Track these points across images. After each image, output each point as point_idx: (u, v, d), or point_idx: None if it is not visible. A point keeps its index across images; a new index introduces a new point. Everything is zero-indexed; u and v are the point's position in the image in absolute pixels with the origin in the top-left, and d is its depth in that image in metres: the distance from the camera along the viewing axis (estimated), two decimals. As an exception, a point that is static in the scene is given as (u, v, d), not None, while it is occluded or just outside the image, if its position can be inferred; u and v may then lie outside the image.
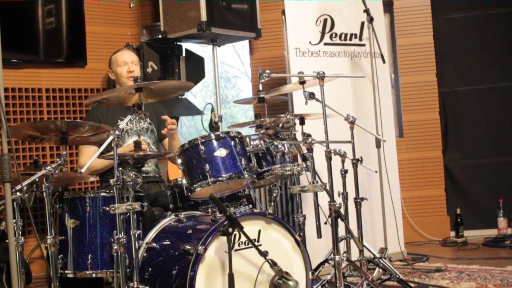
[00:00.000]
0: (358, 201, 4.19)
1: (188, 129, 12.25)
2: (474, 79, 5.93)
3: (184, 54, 5.33)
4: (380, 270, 4.06)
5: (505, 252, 5.11)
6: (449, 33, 5.93)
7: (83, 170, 3.05)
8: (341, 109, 4.05)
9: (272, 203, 3.71)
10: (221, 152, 3.37)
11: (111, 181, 3.08)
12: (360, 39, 5.03)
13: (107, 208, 3.08)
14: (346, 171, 4.10)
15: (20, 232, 3.09)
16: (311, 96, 3.72)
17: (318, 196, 3.61)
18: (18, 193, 3.02)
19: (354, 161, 4.13)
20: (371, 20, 4.69)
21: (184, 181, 3.42)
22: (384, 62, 4.90)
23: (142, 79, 3.29)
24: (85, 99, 5.27)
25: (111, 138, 3.07)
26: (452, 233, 5.75)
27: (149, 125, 4.33)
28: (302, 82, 3.89)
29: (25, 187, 3.04)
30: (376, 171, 4.60)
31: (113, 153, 3.10)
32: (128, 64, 4.36)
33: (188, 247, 3.01)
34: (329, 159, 3.67)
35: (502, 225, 5.53)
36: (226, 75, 13.25)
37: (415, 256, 4.99)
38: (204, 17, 4.73)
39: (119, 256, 3.09)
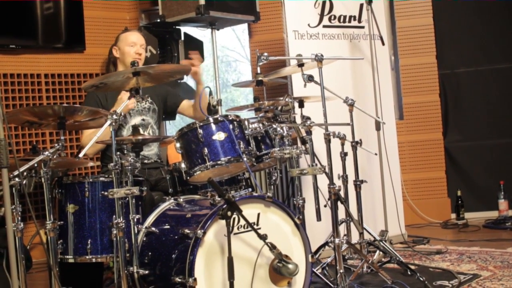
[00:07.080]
0: (358, 184, 4.18)
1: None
2: (474, 61, 5.91)
3: (182, 38, 5.30)
4: (381, 252, 4.07)
5: (506, 233, 5.11)
6: (448, 14, 5.90)
7: (81, 155, 3.03)
8: (340, 91, 4.02)
9: (272, 186, 3.70)
10: (219, 136, 3.36)
11: (110, 165, 3.07)
12: (359, 21, 5.00)
13: (106, 193, 3.08)
14: (345, 154, 4.09)
15: (20, 218, 3.10)
16: (310, 78, 3.70)
17: (317, 179, 3.62)
18: (16, 179, 3.02)
19: (353, 143, 4.12)
20: (370, 2, 4.66)
21: (183, 165, 3.42)
22: (383, 44, 4.88)
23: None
24: (84, 84, 5.26)
25: (108, 122, 3.05)
26: (453, 215, 5.76)
27: (151, 104, 4.25)
28: (300, 65, 3.88)
29: (23, 173, 3.04)
30: (376, 154, 4.60)
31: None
32: (137, 45, 4.26)
33: (187, 231, 3.00)
34: (328, 141, 3.65)
35: (502, 207, 5.54)
36: (227, 59, 13.21)
37: (416, 238, 4.99)
38: (202, 0, 4.70)
39: (119, 241, 3.09)
